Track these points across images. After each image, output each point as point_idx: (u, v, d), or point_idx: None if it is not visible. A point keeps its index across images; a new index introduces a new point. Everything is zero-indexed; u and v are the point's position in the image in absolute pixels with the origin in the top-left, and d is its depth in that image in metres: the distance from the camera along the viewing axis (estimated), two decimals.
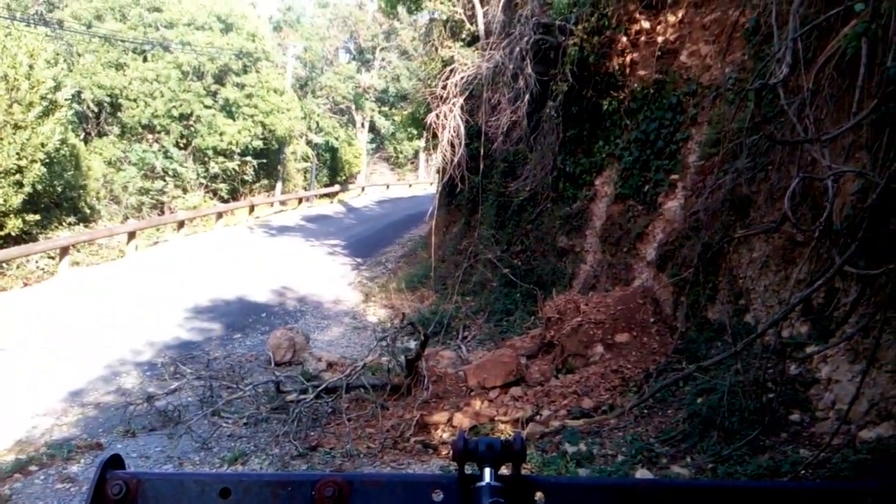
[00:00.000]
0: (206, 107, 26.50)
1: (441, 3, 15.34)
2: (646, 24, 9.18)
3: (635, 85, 9.24)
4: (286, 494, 1.01)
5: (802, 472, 4.51)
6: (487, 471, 0.97)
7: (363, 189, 39.20)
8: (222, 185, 27.51)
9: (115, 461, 1.03)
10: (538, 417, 6.69)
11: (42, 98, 16.25)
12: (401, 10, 18.25)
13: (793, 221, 4.44)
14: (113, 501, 0.99)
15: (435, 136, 12.62)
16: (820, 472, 4.46)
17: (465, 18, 14.57)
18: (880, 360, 4.65)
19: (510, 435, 2.62)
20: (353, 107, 42.66)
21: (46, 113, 16.39)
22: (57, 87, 17.14)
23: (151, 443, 6.83)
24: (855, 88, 4.51)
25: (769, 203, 6.15)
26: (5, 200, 14.98)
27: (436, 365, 8.41)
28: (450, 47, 13.80)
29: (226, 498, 1.00)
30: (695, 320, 7.16)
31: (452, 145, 11.96)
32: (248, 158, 28.04)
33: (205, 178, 26.72)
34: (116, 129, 25.53)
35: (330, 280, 15.45)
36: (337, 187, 36.16)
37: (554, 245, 10.93)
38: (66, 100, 17.80)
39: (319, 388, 7.46)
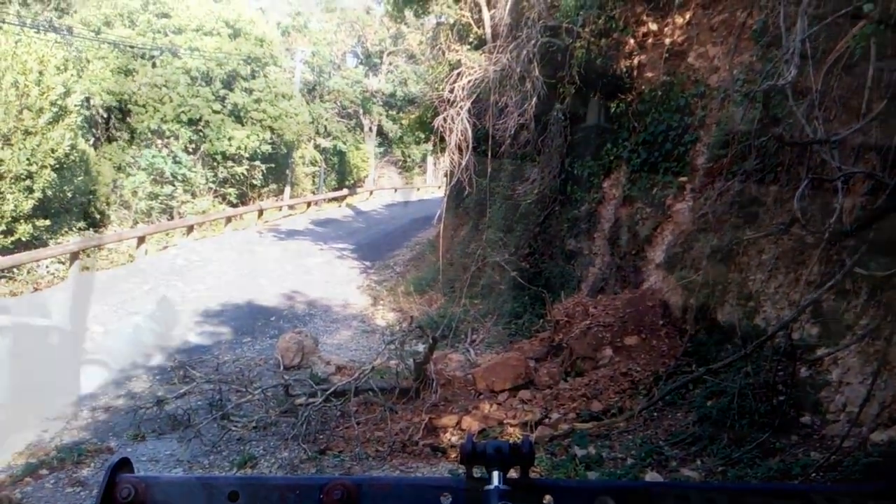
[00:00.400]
0: (215, 112, 26.57)
1: (448, 6, 15.37)
2: (653, 26, 9.17)
3: (643, 87, 9.23)
4: (295, 498, 1.01)
5: (813, 474, 4.49)
6: (496, 474, 0.97)
7: (371, 193, 39.25)
8: (231, 190, 27.57)
9: (125, 465, 1.03)
10: (547, 420, 6.67)
11: (52, 104, 16.34)
12: (408, 13, 18.28)
13: (802, 223, 4.43)
14: None
15: (443, 139, 12.62)
16: (831, 474, 4.43)
17: (471, 22, 14.59)
18: (891, 363, 4.63)
19: (519, 438, 2.63)
20: (361, 111, 42.73)
21: (56, 119, 16.48)
22: (67, 93, 17.23)
23: (161, 446, 6.85)
24: (864, 89, 4.50)
25: (778, 205, 6.13)
26: (16, 206, 15.06)
27: (444, 368, 8.41)
28: (457, 51, 13.81)
29: (234, 501, 1.00)
30: (704, 323, 7.13)
31: (460, 149, 11.96)
32: (257, 163, 28.11)
33: (214, 182, 26.80)
34: (126, 135, 25.63)
35: (338, 284, 15.47)
36: (345, 191, 36.22)
37: (562, 248, 10.91)
38: (75, 105, 17.89)
39: (328, 392, 7.47)
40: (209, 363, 9.51)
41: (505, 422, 6.76)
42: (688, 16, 8.71)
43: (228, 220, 23.81)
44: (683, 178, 8.25)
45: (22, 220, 15.35)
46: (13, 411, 6.94)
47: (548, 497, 0.99)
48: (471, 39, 14.77)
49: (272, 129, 27.96)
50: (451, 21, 15.74)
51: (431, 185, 42.73)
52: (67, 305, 12.07)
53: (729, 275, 6.87)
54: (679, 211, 8.27)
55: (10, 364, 7.27)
